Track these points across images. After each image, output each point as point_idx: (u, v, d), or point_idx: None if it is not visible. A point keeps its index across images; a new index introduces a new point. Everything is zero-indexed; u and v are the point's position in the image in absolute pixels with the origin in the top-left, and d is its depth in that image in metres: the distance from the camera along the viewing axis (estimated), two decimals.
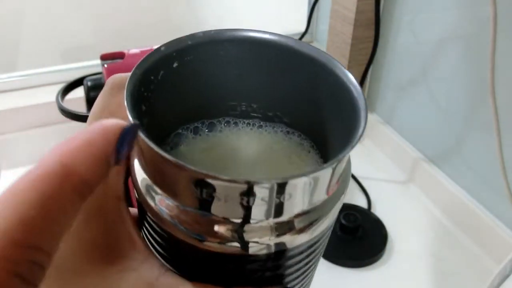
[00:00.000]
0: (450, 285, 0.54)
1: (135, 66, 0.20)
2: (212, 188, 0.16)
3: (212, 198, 0.16)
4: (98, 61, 0.55)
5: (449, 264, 0.56)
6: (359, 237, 0.58)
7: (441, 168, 0.65)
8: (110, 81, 0.20)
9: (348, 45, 0.70)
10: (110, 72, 0.54)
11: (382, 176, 0.70)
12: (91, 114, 0.20)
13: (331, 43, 0.76)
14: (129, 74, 0.19)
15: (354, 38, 0.69)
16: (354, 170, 0.68)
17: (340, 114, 0.21)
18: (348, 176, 0.21)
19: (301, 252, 0.19)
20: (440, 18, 0.60)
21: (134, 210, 0.21)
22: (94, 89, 0.56)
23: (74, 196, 0.12)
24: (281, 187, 0.16)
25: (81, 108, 0.56)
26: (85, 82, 0.57)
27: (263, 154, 0.24)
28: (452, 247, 0.59)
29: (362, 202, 0.65)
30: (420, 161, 0.67)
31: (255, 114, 0.26)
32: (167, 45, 0.21)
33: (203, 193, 0.16)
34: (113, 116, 0.19)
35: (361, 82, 0.71)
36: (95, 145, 0.13)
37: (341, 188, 0.20)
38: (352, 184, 0.67)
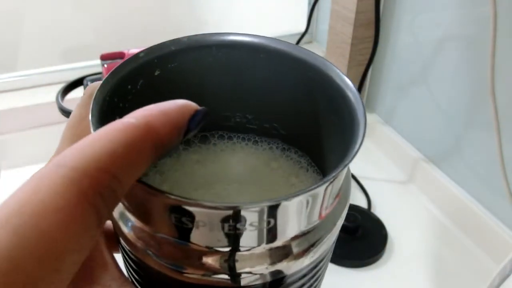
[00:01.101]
0: (450, 285, 0.54)
1: (108, 73, 0.18)
2: (191, 215, 0.14)
3: (192, 226, 0.15)
4: (98, 61, 0.55)
5: (449, 264, 0.56)
6: (359, 237, 0.58)
7: (441, 168, 0.65)
8: (88, 90, 0.20)
9: (348, 45, 0.70)
10: None
11: (382, 176, 0.70)
12: (68, 125, 0.19)
13: (331, 43, 0.76)
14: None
15: (354, 38, 0.69)
16: (354, 170, 0.68)
17: (338, 124, 0.19)
18: (348, 190, 0.19)
19: (300, 278, 0.17)
20: (440, 18, 0.60)
21: (109, 224, 0.19)
22: None
23: (151, 150, 0.14)
24: (271, 211, 0.15)
25: None
26: (85, 82, 0.57)
27: (259, 172, 0.22)
28: (452, 247, 0.59)
29: (362, 202, 0.65)
30: (420, 161, 0.67)
31: (251, 126, 0.23)
32: (147, 51, 0.19)
33: (181, 221, 0.15)
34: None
35: (361, 82, 0.71)
36: (172, 116, 0.15)
37: (342, 204, 0.18)
38: (352, 184, 0.67)
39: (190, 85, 0.21)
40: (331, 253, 0.19)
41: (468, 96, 0.58)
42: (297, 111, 0.22)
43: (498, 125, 0.50)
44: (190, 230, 0.15)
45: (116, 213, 0.17)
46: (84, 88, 0.57)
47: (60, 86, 0.60)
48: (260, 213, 0.14)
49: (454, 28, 0.58)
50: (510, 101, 0.51)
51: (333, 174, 0.15)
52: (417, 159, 0.68)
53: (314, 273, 0.18)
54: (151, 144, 0.14)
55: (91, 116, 0.16)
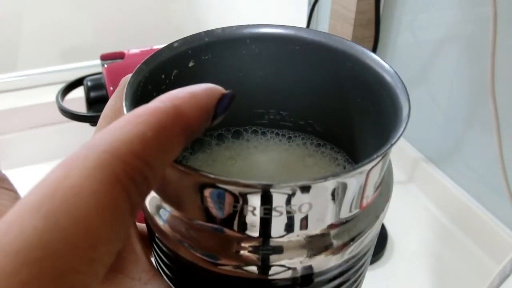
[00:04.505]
0: (450, 285, 0.54)
1: (142, 61, 0.17)
2: (223, 196, 0.14)
3: (224, 208, 0.14)
4: (98, 61, 0.55)
5: (449, 264, 0.56)
6: None
7: (441, 168, 0.65)
8: (122, 82, 0.19)
9: None
10: (110, 72, 0.54)
11: None
12: (102, 116, 0.19)
13: None
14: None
15: (354, 38, 0.69)
16: None
17: (378, 116, 0.18)
18: (390, 183, 0.18)
19: (338, 276, 0.16)
20: (440, 18, 0.60)
21: (141, 226, 0.19)
22: (94, 89, 0.56)
23: (181, 135, 0.13)
24: (306, 191, 0.14)
25: (81, 108, 0.56)
26: (85, 82, 0.57)
27: (293, 170, 0.21)
28: (452, 247, 0.59)
29: None
30: (420, 161, 0.67)
31: (285, 123, 0.23)
32: (181, 41, 0.19)
33: (213, 202, 0.14)
34: None
35: None
36: (200, 99, 0.14)
37: (383, 196, 0.17)
38: None
39: (223, 78, 0.20)
40: (372, 253, 0.18)
41: (468, 96, 0.58)
42: (334, 105, 0.21)
43: (498, 125, 0.50)
44: (223, 212, 0.14)
45: (151, 207, 0.17)
46: (84, 88, 0.57)
47: (60, 86, 0.60)
48: (295, 194, 0.14)
49: (454, 28, 0.58)
50: (510, 101, 0.51)
51: (377, 154, 0.14)
52: (417, 159, 0.68)
53: (353, 272, 0.17)
54: (181, 128, 0.13)
55: (125, 99, 0.16)
